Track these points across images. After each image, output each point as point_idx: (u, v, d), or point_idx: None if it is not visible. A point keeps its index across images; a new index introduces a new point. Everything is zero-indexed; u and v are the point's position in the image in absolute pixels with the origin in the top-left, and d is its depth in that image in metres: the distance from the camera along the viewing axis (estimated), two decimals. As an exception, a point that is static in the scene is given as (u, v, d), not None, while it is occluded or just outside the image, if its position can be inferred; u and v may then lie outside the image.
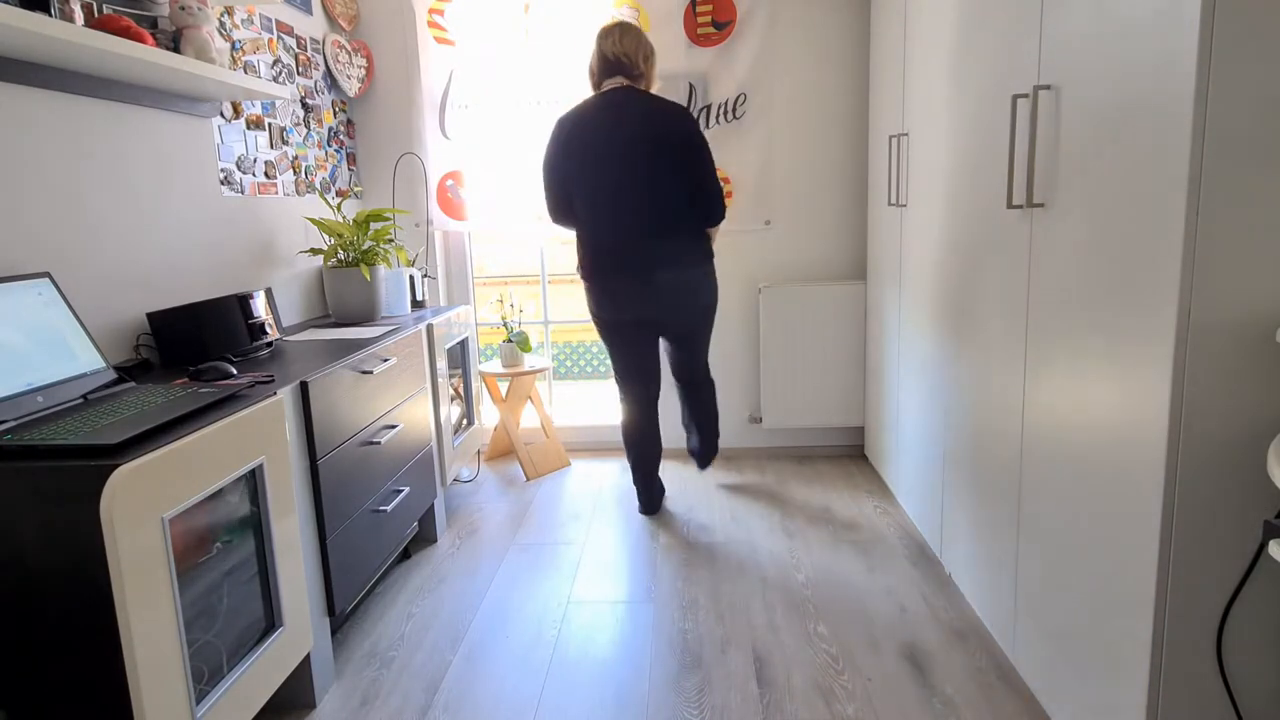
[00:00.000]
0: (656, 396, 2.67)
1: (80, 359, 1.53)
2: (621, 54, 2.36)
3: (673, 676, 1.83)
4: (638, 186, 2.33)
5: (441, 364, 2.64)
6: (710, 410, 2.80)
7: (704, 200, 2.41)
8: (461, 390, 2.98)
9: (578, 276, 2.55)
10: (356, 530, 1.95)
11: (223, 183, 2.28)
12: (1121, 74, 1.25)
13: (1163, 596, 1.20)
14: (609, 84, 2.40)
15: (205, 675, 1.36)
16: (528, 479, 3.17)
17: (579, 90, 3.11)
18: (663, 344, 2.72)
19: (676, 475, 3.13)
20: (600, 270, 2.44)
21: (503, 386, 3.26)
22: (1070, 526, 1.46)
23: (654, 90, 2.50)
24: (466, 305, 3.07)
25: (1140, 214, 1.21)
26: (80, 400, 1.47)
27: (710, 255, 2.50)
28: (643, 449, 2.68)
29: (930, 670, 1.81)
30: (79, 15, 1.61)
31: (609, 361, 2.66)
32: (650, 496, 2.74)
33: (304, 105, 2.74)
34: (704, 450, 2.86)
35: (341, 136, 3.06)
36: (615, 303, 2.46)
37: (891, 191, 2.63)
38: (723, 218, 2.48)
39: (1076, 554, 1.44)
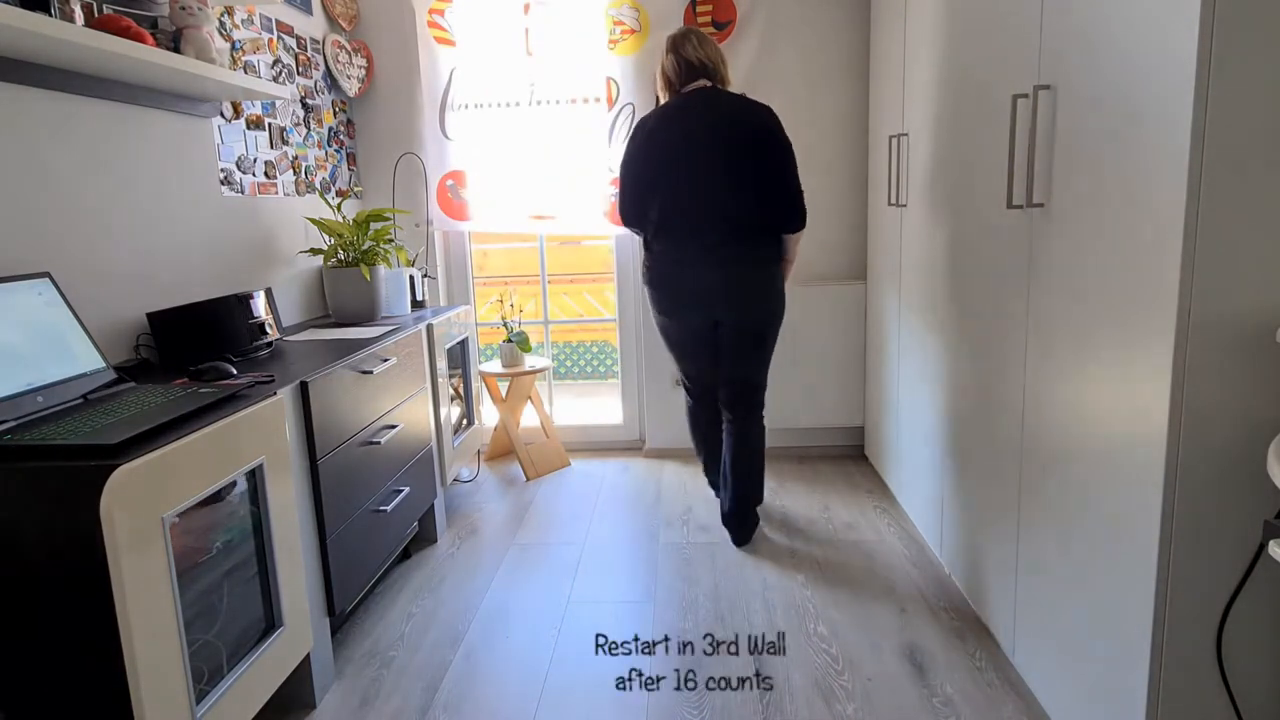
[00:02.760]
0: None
1: (80, 359, 1.53)
2: (705, 59, 2.36)
3: (673, 676, 1.83)
4: (721, 182, 2.28)
5: (441, 364, 2.64)
6: (755, 459, 2.49)
7: (784, 200, 2.31)
8: (461, 390, 2.98)
9: (643, 280, 2.46)
10: (356, 530, 1.95)
11: (223, 183, 2.28)
12: (1121, 74, 1.25)
13: (1163, 596, 1.20)
14: (692, 86, 2.36)
15: (205, 675, 1.36)
16: (528, 479, 3.17)
17: (579, 90, 3.12)
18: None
19: (675, 476, 3.13)
20: (672, 266, 2.36)
21: (503, 386, 3.26)
22: (1070, 527, 1.46)
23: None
24: (466, 305, 3.07)
25: (1140, 214, 1.21)
26: (80, 400, 1.47)
27: (779, 261, 2.39)
28: (707, 432, 2.62)
29: (930, 670, 1.81)
30: (79, 15, 1.61)
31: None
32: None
33: (304, 105, 2.74)
34: (739, 509, 2.49)
35: (341, 136, 3.06)
36: (683, 301, 2.38)
37: (891, 191, 2.63)
38: (802, 225, 2.35)
39: (1076, 554, 1.44)
